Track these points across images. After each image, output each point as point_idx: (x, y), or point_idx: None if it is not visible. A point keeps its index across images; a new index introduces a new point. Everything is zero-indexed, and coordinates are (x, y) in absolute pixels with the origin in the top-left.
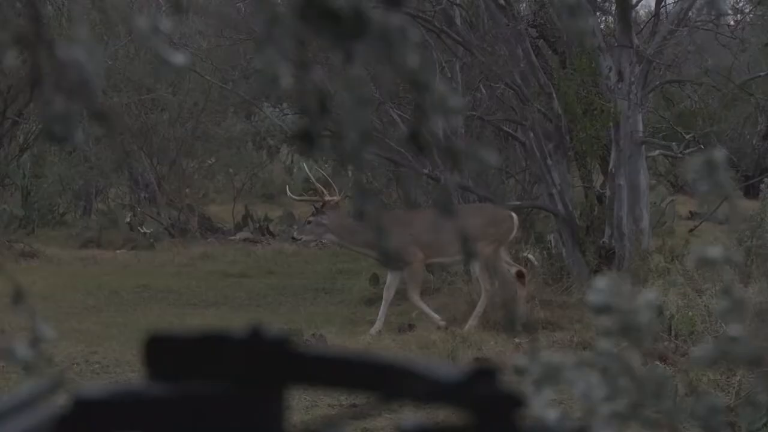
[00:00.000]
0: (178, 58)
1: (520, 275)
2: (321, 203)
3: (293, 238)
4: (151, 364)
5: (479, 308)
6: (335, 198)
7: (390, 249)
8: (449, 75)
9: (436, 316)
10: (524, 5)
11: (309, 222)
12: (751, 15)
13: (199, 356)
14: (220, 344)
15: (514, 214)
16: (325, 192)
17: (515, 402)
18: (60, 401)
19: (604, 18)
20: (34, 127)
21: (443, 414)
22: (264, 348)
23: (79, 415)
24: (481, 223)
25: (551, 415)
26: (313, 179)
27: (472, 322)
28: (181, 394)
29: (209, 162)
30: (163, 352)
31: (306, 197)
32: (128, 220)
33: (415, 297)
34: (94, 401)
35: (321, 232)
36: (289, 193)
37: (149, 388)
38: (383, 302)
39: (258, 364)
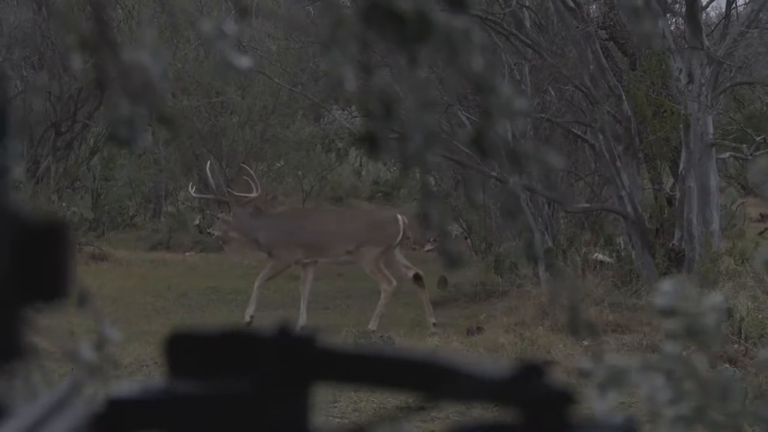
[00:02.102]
0: (243, 61)
1: (417, 278)
2: (223, 201)
3: (209, 232)
4: (173, 362)
5: (380, 308)
6: (250, 195)
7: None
8: (518, 77)
9: (253, 307)
10: (594, 7)
11: (218, 218)
12: None
13: (225, 354)
14: (246, 342)
15: (401, 217)
16: (253, 186)
17: (567, 398)
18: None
19: (674, 20)
20: (103, 130)
21: (502, 414)
22: (291, 345)
23: (113, 414)
24: (365, 227)
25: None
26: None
27: (374, 321)
28: (211, 392)
29: (278, 165)
30: (186, 350)
31: (204, 195)
32: (197, 222)
33: (261, 282)
34: (128, 400)
35: (225, 228)
36: (190, 190)
37: (180, 386)
38: (302, 299)
39: (285, 362)
